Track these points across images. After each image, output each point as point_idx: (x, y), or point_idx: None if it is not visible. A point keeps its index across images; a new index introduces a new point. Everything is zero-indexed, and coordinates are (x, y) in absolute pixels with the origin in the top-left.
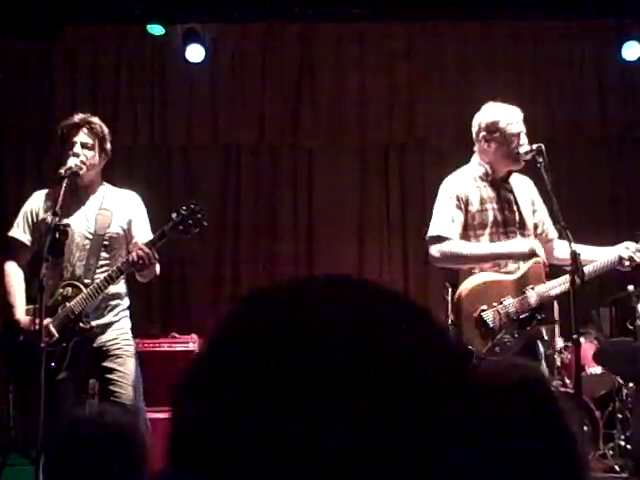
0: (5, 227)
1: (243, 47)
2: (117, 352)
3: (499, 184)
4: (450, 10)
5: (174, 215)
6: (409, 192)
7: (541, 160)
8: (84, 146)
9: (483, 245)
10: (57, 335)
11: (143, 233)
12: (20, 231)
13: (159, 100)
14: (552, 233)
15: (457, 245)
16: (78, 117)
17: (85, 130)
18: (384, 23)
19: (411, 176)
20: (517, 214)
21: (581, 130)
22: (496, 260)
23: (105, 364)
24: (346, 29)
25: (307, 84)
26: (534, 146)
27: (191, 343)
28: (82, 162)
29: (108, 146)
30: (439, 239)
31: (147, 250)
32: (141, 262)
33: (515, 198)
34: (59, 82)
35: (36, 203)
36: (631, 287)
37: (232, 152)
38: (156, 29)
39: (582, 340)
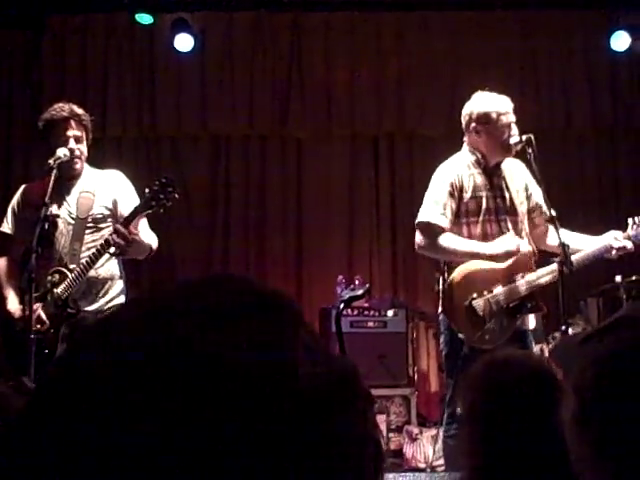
0: None
1: (232, 36)
2: None
3: (491, 171)
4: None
5: (146, 190)
6: (398, 183)
7: (530, 151)
8: (77, 140)
9: (471, 243)
10: (47, 322)
11: (130, 207)
12: (8, 225)
13: (148, 90)
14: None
15: (446, 239)
16: (66, 110)
17: (74, 124)
18: (374, 13)
19: (400, 167)
20: (509, 201)
21: (571, 121)
22: (482, 259)
23: None
24: (336, 19)
25: (297, 74)
26: (524, 137)
27: None
28: (78, 156)
29: (90, 135)
30: (428, 226)
31: (122, 230)
32: (119, 242)
33: (507, 185)
34: (47, 72)
35: (23, 196)
36: (618, 277)
37: (221, 142)
38: (145, 18)
39: (570, 331)
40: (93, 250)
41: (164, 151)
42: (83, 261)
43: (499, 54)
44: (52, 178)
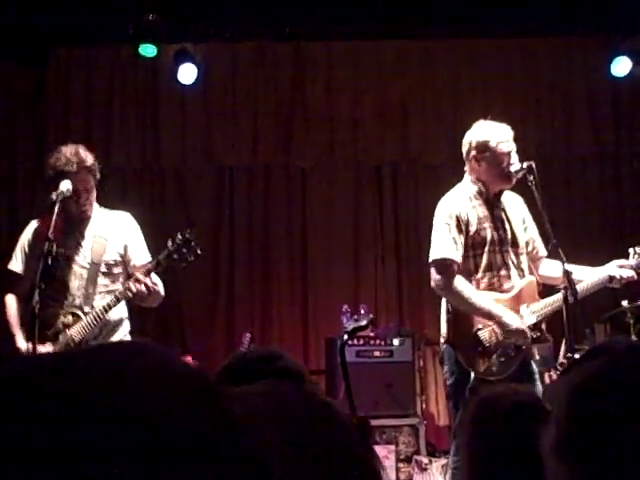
0: (0, 258)
1: (235, 67)
2: None
3: (492, 202)
4: (440, 28)
5: (169, 244)
6: (403, 210)
7: (532, 178)
8: (86, 190)
9: (485, 300)
10: None
11: (140, 255)
12: (17, 263)
13: (152, 122)
14: (542, 251)
15: (463, 286)
16: (74, 161)
17: (82, 175)
18: (375, 42)
19: (404, 194)
20: (510, 232)
21: (573, 147)
22: (486, 318)
23: None
24: (338, 48)
25: (300, 103)
26: (525, 164)
27: None
28: (88, 204)
29: (98, 175)
30: (444, 262)
31: (143, 279)
32: (141, 291)
33: (507, 216)
34: (51, 103)
35: (34, 234)
36: (625, 303)
37: (225, 173)
38: (148, 50)
39: (577, 357)
40: (105, 294)
41: (168, 182)
42: (100, 307)
43: (500, 81)
44: (55, 213)
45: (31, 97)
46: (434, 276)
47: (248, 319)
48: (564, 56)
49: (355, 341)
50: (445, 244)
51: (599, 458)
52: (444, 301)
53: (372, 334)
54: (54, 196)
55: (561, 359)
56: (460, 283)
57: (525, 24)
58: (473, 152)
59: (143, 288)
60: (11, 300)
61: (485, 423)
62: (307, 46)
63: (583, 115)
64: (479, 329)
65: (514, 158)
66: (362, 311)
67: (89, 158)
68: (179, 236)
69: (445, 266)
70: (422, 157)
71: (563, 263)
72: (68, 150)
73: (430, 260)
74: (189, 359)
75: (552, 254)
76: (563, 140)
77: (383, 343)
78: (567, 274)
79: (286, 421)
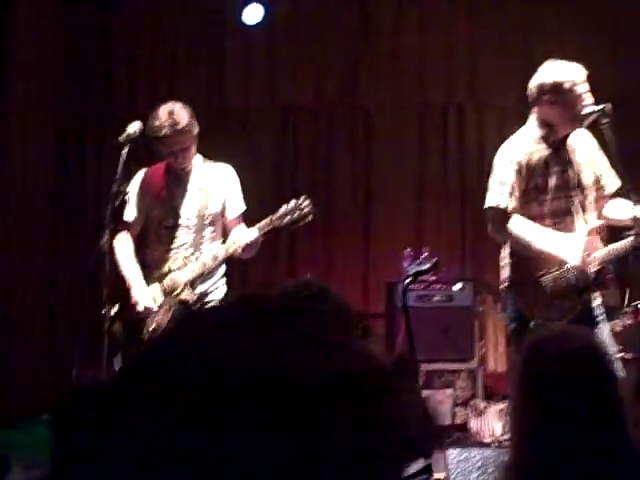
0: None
1: (301, 5)
2: None
3: (558, 145)
4: None
5: (283, 207)
6: (468, 153)
7: (606, 121)
8: (183, 150)
9: (541, 238)
10: (160, 300)
11: (235, 209)
12: (133, 213)
13: (217, 61)
14: (610, 188)
15: (516, 225)
16: (167, 126)
17: (177, 138)
18: None
19: (470, 137)
20: (576, 176)
21: None
22: (547, 256)
23: None
24: None
25: (365, 43)
26: (601, 106)
27: None
28: (187, 162)
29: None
30: (496, 211)
31: (254, 240)
32: (249, 249)
33: (574, 159)
34: (119, 46)
35: (143, 183)
36: None
37: (290, 114)
38: None
39: None
40: (210, 242)
41: (233, 123)
42: (210, 256)
43: (575, 17)
44: (123, 155)
45: (99, 39)
46: (490, 224)
47: (310, 259)
48: None
49: (416, 285)
50: (500, 190)
51: None
52: (506, 245)
53: (433, 278)
54: (121, 139)
55: (625, 308)
56: (517, 226)
57: None
58: (546, 95)
59: (252, 245)
60: (126, 243)
61: (535, 367)
62: None
63: None
64: (542, 274)
65: (588, 100)
66: (425, 254)
67: (183, 119)
68: (293, 201)
69: (499, 214)
70: (489, 98)
71: (633, 207)
72: (163, 112)
73: (485, 207)
74: None
75: (624, 196)
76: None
77: (444, 287)
78: (636, 219)
79: None
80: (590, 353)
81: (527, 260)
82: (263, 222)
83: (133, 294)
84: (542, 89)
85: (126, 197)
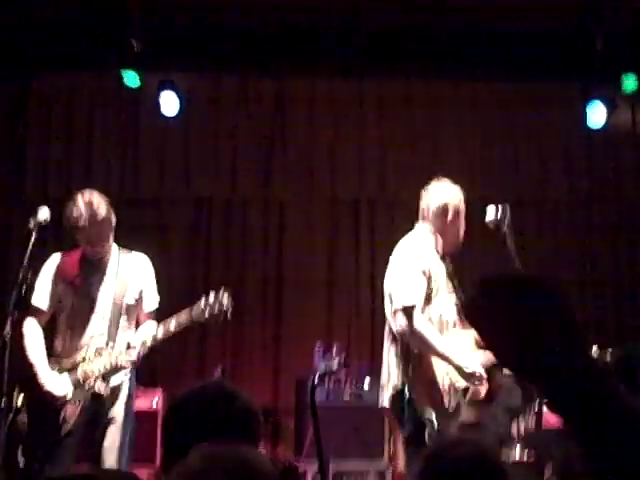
0: None
1: (217, 99)
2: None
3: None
4: (419, 67)
5: (203, 300)
6: (379, 247)
7: (505, 221)
8: (101, 240)
9: (447, 347)
10: (70, 391)
11: (150, 302)
12: (41, 299)
13: (132, 151)
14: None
15: (430, 332)
16: (87, 216)
17: (96, 229)
18: (356, 81)
19: (381, 232)
20: (457, 283)
21: (547, 194)
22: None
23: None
24: (319, 85)
25: (280, 137)
26: (500, 206)
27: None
28: (104, 252)
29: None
30: (414, 309)
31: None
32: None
33: (453, 271)
34: (32, 130)
35: (57, 269)
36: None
37: (204, 204)
38: (131, 76)
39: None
40: (123, 333)
41: (146, 212)
42: (122, 351)
43: (477, 125)
44: (31, 240)
45: (12, 122)
46: (401, 321)
47: (220, 352)
48: (541, 103)
49: (326, 381)
50: (414, 291)
51: None
52: (392, 347)
53: (342, 376)
54: (30, 225)
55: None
56: (423, 326)
57: (500, 69)
58: (432, 214)
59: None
60: (35, 329)
61: (435, 470)
62: (289, 82)
63: (558, 164)
64: (435, 373)
65: (462, 223)
66: (335, 350)
67: (102, 210)
68: (212, 294)
69: (413, 313)
70: (400, 195)
71: None
72: (81, 202)
73: (400, 306)
74: (159, 390)
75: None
76: (538, 187)
77: (354, 383)
78: None
79: None
80: (482, 460)
81: (422, 359)
82: (183, 316)
83: (43, 383)
84: (428, 208)
85: (34, 283)
